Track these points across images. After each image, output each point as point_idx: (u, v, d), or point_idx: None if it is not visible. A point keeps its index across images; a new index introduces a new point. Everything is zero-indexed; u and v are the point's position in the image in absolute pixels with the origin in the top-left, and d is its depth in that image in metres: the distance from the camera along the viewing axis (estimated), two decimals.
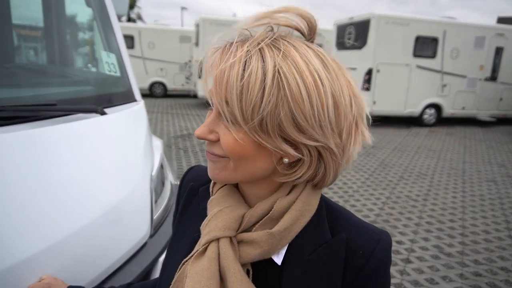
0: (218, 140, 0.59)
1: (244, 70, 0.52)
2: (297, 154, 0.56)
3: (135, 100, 1.92)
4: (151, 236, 1.48)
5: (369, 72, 10.51)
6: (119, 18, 2.28)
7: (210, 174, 0.63)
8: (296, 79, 0.52)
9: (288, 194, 0.62)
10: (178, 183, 0.88)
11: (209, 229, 0.63)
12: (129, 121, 1.67)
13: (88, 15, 2.07)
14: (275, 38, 0.55)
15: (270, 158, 0.58)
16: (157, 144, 2.02)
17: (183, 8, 32.20)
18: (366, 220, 4.24)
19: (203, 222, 0.65)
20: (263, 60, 0.52)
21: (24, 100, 1.44)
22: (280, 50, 0.53)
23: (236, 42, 0.55)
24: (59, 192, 1.16)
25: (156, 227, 1.53)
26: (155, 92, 16.25)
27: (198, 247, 0.63)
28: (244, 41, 0.55)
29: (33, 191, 1.09)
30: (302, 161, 0.58)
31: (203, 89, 0.61)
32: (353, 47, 11.13)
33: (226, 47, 0.55)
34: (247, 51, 0.53)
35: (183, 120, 10.96)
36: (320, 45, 0.59)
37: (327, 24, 14.69)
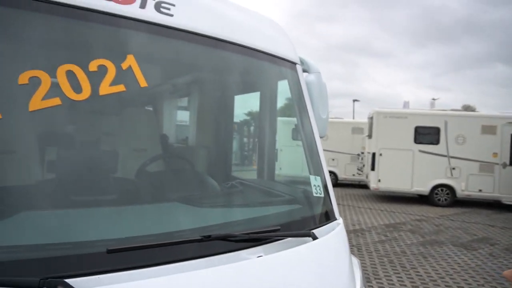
0: None
1: None
2: None
3: (335, 219, 2.06)
4: None
5: None
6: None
7: None
8: None
9: None
10: None
11: None
12: (336, 243, 1.79)
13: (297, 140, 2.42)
14: None
15: None
16: (355, 262, 2.06)
17: (355, 100, 33.61)
18: None
19: None
20: None
21: (249, 224, 1.72)
22: None
23: None
24: None
25: None
26: None
27: None
28: None
29: None
30: None
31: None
32: None
33: None
34: None
35: (355, 213, 10.75)
36: None
37: None
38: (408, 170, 12.44)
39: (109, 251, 1.19)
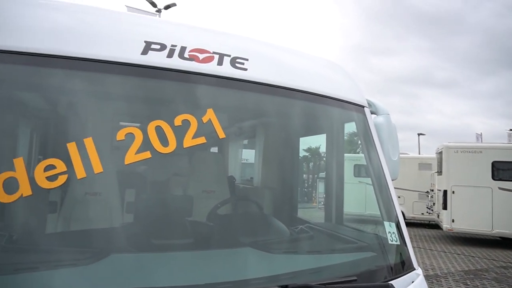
0: None
1: None
2: None
3: (414, 269, 1.93)
4: None
5: None
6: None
7: None
8: None
9: None
10: None
11: None
12: None
13: (368, 182, 2.37)
14: None
15: None
16: None
17: (420, 134, 31.95)
18: None
19: None
20: None
21: (323, 272, 1.69)
22: None
23: None
24: None
25: None
26: None
27: None
28: None
29: None
30: None
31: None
32: None
33: None
34: None
35: (427, 256, 9.92)
36: None
37: None
38: (487, 209, 11.29)
39: None
